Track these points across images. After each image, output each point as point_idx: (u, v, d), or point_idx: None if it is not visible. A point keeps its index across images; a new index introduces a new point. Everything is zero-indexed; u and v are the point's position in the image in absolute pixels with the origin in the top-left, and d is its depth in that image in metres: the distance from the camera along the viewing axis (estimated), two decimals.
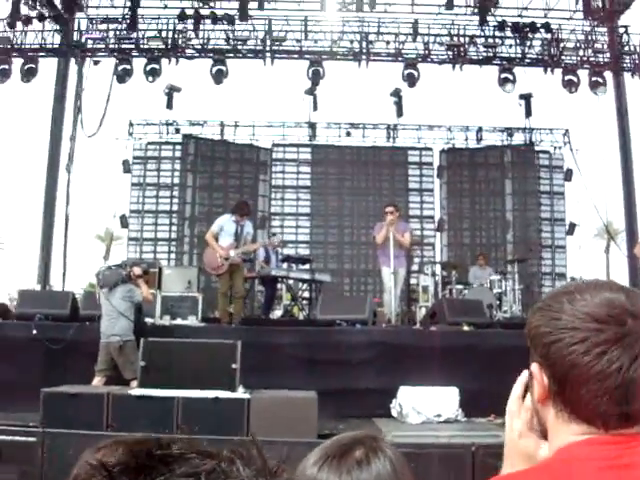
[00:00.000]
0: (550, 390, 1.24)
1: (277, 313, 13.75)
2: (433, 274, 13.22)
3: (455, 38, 15.48)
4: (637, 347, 1.16)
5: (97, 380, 7.96)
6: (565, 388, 1.21)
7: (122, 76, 14.96)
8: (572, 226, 18.02)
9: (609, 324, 1.17)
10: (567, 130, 18.62)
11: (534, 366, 1.27)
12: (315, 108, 17.14)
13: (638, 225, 16.61)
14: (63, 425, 6.00)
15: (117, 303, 8.29)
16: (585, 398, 1.18)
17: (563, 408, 1.22)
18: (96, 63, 15.14)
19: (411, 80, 15.32)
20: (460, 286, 13.04)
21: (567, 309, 1.22)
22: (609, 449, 1.17)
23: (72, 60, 15.43)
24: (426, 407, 7.59)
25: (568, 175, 18.06)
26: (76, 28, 15.29)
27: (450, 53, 15.54)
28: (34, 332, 8.64)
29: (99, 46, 15.19)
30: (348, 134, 18.97)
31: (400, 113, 17.12)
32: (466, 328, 9.48)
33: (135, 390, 6.80)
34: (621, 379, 1.15)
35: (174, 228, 17.94)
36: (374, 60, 15.55)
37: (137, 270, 8.75)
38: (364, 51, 15.40)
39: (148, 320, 9.72)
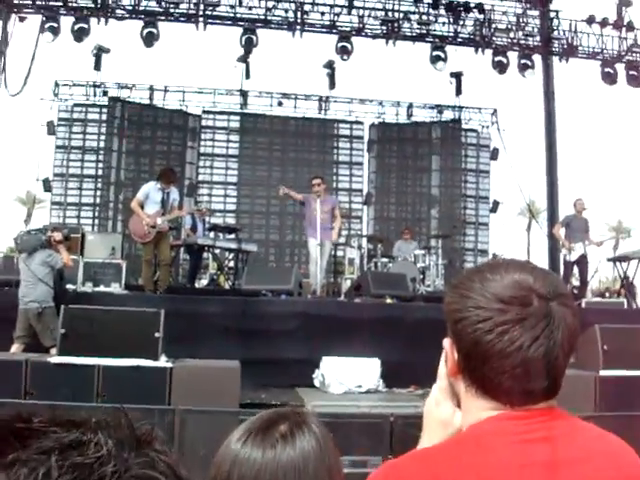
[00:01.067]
0: (459, 365, 1.29)
1: (203, 282, 13.69)
2: (359, 247, 13.37)
3: (390, 13, 15.51)
4: (539, 328, 1.20)
5: (15, 347, 7.76)
6: (470, 364, 1.25)
7: (51, 33, 14.41)
8: (496, 204, 18.47)
9: (513, 305, 1.21)
10: (495, 110, 18.98)
11: (446, 341, 1.31)
12: (247, 76, 16.97)
13: (559, 205, 17.12)
14: None
15: (36, 269, 8.06)
16: (488, 375, 1.23)
17: (471, 383, 1.27)
18: (22, 20, 14.53)
19: (344, 53, 15.28)
20: (385, 259, 13.22)
21: (477, 288, 1.26)
22: (519, 424, 1.22)
23: None
24: (348, 378, 7.71)
25: (494, 154, 18.46)
26: None
27: (384, 28, 15.56)
28: None
29: (25, 2, 14.58)
30: (280, 104, 18.84)
31: (332, 85, 17.13)
32: (389, 301, 9.65)
33: (54, 357, 6.66)
34: (521, 358, 1.20)
35: (99, 193, 17.53)
36: (308, 31, 15.44)
37: (57, 235, 8.50)
38: (299, 21, 15.26)
39: (70, 287, 9.52)
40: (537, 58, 16.29)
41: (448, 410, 1.37)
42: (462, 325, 1.25)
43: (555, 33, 16.05)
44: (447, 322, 1.31)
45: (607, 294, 14.03)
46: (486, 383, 1.24)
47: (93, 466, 0.66)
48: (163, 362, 6.73)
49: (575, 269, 12.47)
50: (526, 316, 1.21)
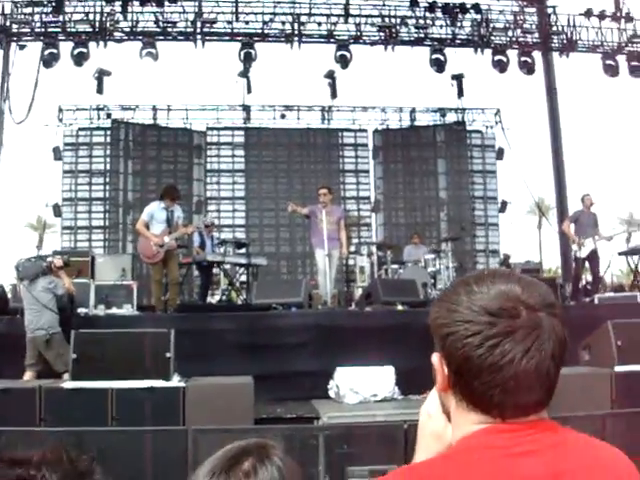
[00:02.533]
0: (450, 380, 1.27)
1: (215, 298, 13.69)
2: (369, 254, 13.30)
3: (386, 19, 15.55)
4: (529, 340, 1.18)
5: (28, 375, 7.76)
6: (461, 379, 1.23)
7: (49, 61, 14.53)
8: (504, 204, 18.41)
9: (501, 317, 1.19)
10: (498, 109, 18.95)
11: (434, 356, 1.29)
12: (249, 91, 17.00)
13: (568, 201, 17.05)
14: None
15: (39, 295, 8.06)
16: (479, 389, 1.21)
17: (462, 398, 1.25)
18: (22, 48, 14.67)
19: (344, 61, 15.34)
20: (395, 266, 13.16)
21: (463, 301, 1.24)
22: (507, 437, 1.20)
23: None
24: (363, 387, 7.68)
25: (500, 154, 18.41)
26: (0, 12, 14.77)
27: (382, 34, 15.61)
28: None
29: (24, 30, 14.72)
30: (283, 116, 18.89)
31: (334, 95, 17.13)
32: (400, 307, 9.60)
33: (67, 383, 6.67)
34: (513, 371, 1.18)
35: (108, 215, 17.61)
36: (306, 42, 15.51)
37: (58, 262, 8.49)
38: (296, 32, 15.32)
39: (82, 310, 9.54)
40: (537, 55, 16.27)
41: (440, 423, 1.35)
42: (451, 340, 1.23)
43: (554, 29, 16.01)
44: (434, 337, 1.29)
45: (626, 289, 13.84)
46: (477, 397, 1.22)
47: None
48: (176, 382, 6.73)
49: (587, 265, 12.40)
50: (516, 328, 1.19)
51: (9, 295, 9.91)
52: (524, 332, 1.19)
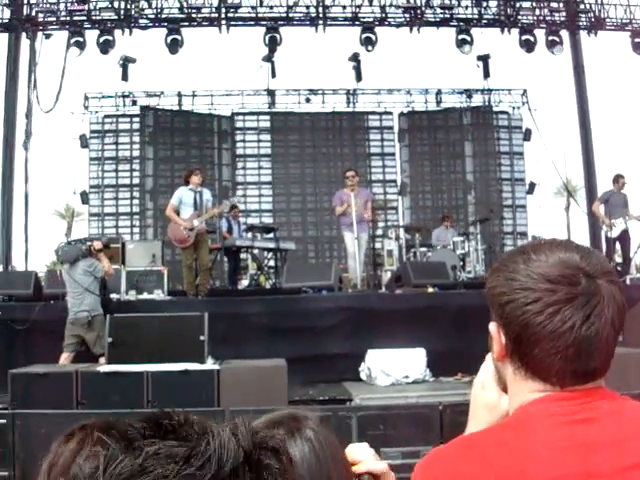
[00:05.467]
0: (507, 349, 1.27)
1: (244, 283, 13.75)
2: (397, 238, 13.27)
3: (411, 0, 15.38)
4: (589, 306, 1.19)
5: (65, 356, 7.88)
6: (520, 347, 1.24)
7: (75, 49, 14.60)
8: (532, 185, 18.24)
9: (562, 284, 1.20)
10: (525, 90, 18.73)
11: (492, 325, 1.29)
12: (274, 75, 16.97)
13: (596, 182, 16.85)
14: (32, 405, 5.97)
15: (80, 279, 8.16)
16: (539, 357, 1.21)
17: (520, 366, 1.25)
18: (48, 37, 14.75)
19: (369, 44, 15.21)
20: (424, 249, 13.12)
21: (522, 269, 1.24)
22: (565, 405, 1.21)
23: (23, 35, 15.01)
24: (394, 369, 7.70)
25: (527, 135, 18.21)
26: (26, 1, 14.85)
27: (407, 16, 15.43)
28: None
29: (50, 19, 14.79)
30: (307, 100, 18.84)
31: (359, 78, 17.04)
32: (430, 290, 9.59)
33: (103, 367, 6.76)
34: (573, 338, 1.18)
35: (136, 202, 17.74)
36: (331, 25, 15.40)
37: (97, 244, 8.58)
38: (321, 16, 15.22)
39: (114, 296, 9.64)
40: (565, 34, 16.02)
41: (494, 394, 1.36)
42: (510, 308, 1.23)
43: (581, 6, 15.73)
44: (491, 306, 1.29)
45: None
46: (536, 365, 1.23)
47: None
48: (210, 364, 6.80)
49: (617, 245, 12.26)
50: (576, 295, 1.19)
51: (43, 282, 10.03)
52: (584, 299, 1.19)
